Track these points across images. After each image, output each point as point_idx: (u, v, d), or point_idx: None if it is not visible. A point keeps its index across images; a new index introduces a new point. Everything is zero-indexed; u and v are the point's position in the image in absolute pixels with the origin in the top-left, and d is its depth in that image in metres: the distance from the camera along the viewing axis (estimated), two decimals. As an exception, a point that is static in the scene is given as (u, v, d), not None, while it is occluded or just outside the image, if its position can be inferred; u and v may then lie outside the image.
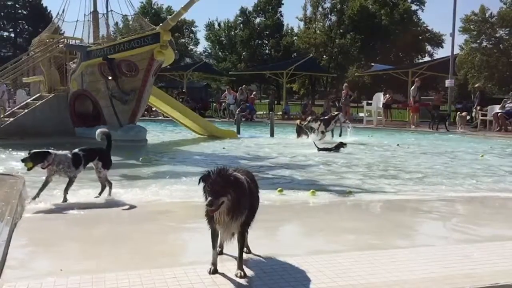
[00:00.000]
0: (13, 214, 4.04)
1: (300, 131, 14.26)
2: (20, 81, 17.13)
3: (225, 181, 2.79)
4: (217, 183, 2.77)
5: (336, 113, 14.77)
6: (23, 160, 4.97)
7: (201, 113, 23.50)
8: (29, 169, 5.01)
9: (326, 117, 14.23)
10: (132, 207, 5.01)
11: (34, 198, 5.02)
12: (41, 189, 5.08)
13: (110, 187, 5.53)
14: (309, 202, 5.63)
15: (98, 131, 5.69)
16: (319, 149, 10.68)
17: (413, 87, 20.19)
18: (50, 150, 5.14)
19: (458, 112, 18.61)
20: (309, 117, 14.45)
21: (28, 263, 3.24)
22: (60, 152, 5.24)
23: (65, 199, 5.09)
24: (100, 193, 5.44)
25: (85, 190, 5.68)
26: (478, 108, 18.63)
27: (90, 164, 5.46)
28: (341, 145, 10.77)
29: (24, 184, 5.39)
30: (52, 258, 3.40)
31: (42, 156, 5.00)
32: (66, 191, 5.13)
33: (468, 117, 18.53)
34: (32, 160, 4.95)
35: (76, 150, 5.35)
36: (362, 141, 13.41)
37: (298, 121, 15.28)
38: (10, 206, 4.24)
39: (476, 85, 21.25)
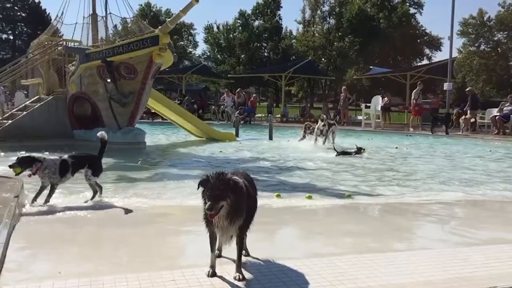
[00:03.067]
0: (11, 216, 4.04)
1: (305, 133, 13.90)
2: (18, 83, 17.12)
3: (224, 185, 2.79)
4: (216, 187, 2.77)
5: (332, 122, 14.44)
6: (10, 166, 5.00)
7: (200, 115, 23.52)
8: (17, 174, 5.05)
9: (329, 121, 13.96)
10: (130, 210, 5.01)
11: (44, 202, 5.06)
12: (48, 197, 5.12)
13: (101, 191, 5.55)
14: (307, 205, 5.63)
15: (99, 133, 5.68)
16: (338, 153, 10.56)
17: (415, 90, 20.20)
18: (38, 155, 5.14)
19: (463, 115, 18.52)
20: (324, 116, 13.92)
21: (27, 266, 3.23)
22: (49, 157, 5.25)
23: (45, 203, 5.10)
24: (92, 198, 5.42)
25: (83, 193, 5.67)
26: (455, 112, 18.55)
27: None
28: (360, 150, 10.69)
29: (23, 187, 5.38)
30: (51, 261, 3.40)
31: (29, 161, 5.01)
32: (48, 197, 5.11)
33: (472, 120, 18.52)
34: (20, 165, 4.96)
35: (65, 157, 5.33)
36: (360, 145, 13.38)
37: (306, 123, 14.95)
38: (8, 209, 4.23)
39: (467, 89, 21.20)
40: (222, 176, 2.83)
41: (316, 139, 12.90)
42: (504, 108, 17.44)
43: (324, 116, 12.71)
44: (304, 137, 13.79)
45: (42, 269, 3.19)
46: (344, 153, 10.69)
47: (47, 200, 5.09)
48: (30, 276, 2.97)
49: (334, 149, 10.85)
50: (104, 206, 5.17)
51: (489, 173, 8.63)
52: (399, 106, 27.73)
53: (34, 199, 5.10)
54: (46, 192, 5.16)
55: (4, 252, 3.28)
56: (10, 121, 12.67)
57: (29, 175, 5.07)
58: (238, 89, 27.19)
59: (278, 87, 43.14)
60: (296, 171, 8.62)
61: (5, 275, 2.96)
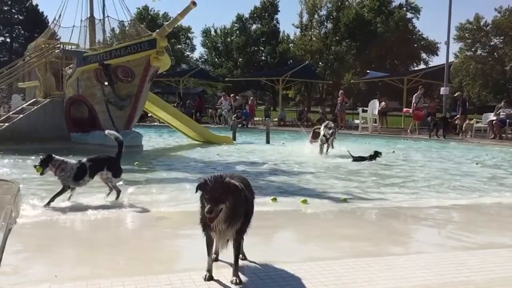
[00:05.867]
0: (8, 219, 4.02)
1: (314, 136, 13.51)
2: (15, 86, 17.07)
3: (223, 188, 2.80)
4: (215, 190, 2.77)
5: (334, 124, 14.11)
6: (35, 166, 5.18)
7: (197, 119, 23.53)
8: (41, 174, 5.21)
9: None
10: (127, 213, 5.00)
11: (47, 203, 5.12)
12: (54, 197, 5.19)
13: (111, 192, 5.63)
14: (304, 209, 5.63)
15: (107, 131, 5.76)
16: (354, 159, 10.42)
17: (416, 94, 20.23)
18: (58, 158, 5.24)
19: (467, 119, 18.53)
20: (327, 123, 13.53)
21: (23, 269, 3.21)
22: (70, 161, 5.34)
23: (48, 204, 5.13)
24: (117, 198, 5.55)
25: (81, 196, 5.65)
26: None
27: None
28: (377, 154, 10.52)
29: (19, 190, 5.36)
30: (47, 264, 3.39)
31: (47, 161, 5.14)
32: (54, 197, 5.16)
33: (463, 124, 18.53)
34: (41, 165, 5.11)
35: (84, 160, 5.40)
36: (357, 148, 13.38)
37: (314, 128, 14.65)
38: (4, 212, 4.21)
39: (455, 94, 21.21)
40: (221, 179, 2.83)
41: (320, 147, 12.54)
42: (501, 113, 17.48)
43: (330, 131, 12.29)
44: (314, 141, 13.24)
45: (38, 273, 3.18)
46: (360, 158, 10.47)
47: (50, 202, 5.13)
48: (26, 280, 2.96)
49: (350, 154, 10.68)
50: (101, 209, 5.15)
51: (486, 177, 8.64)
52: (403, 110, 27.74)
53: (50, 201, 5.19)
54: (43, 196, 5.18)
55: (0, 255, 3.27)
56: (6, 124, 12.63)
57: (54, 173, 5.21)
58: (232, 94, 27.30)
59: (276, 90, 43.22)
60: (292, 175, 8.62)
61: (1, 279, 2.95)
